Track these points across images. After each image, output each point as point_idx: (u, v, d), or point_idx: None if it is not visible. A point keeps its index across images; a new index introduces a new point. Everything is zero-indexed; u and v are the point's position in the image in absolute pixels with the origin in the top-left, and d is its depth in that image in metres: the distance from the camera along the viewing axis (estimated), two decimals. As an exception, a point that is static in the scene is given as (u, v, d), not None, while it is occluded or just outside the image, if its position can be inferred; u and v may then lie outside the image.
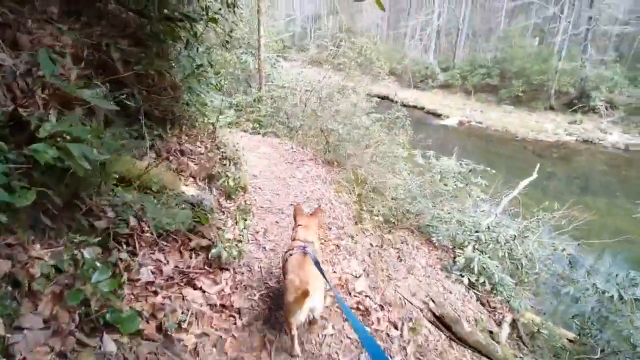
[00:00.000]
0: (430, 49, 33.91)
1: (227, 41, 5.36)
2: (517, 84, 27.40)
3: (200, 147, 4.74)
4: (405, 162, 8.44)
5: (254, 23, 13.52)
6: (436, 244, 7.58)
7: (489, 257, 6.39)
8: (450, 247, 7.71)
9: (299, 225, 2.99)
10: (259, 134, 11.02)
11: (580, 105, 25.61)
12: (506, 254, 6.82)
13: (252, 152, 7.72)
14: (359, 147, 7.52)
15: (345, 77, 11.01)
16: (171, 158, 4.04)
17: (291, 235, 3.05)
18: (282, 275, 2.89)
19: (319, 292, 2.48)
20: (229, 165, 5.31)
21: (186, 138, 4.47)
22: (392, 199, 7.54)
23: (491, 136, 24.78)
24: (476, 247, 7.18)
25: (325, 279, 2.43)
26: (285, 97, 12.16)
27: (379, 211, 6.36)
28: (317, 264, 2.47)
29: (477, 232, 7.28)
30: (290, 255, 2.65)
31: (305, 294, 2.26)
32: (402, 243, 7.05)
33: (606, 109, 24.76)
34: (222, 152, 5.28)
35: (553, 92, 26.67)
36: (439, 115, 27.43)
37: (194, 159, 4.49)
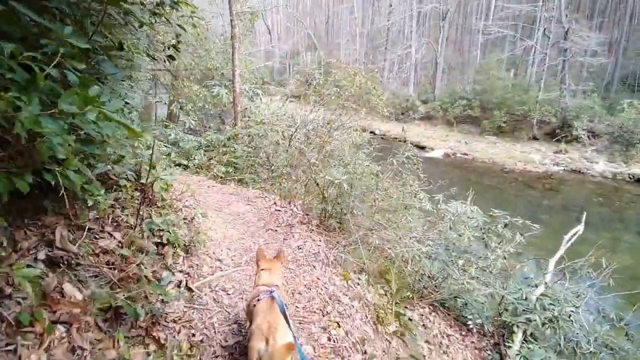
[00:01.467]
0: (410, 81, 32.96)
1: (170, 56, 3.20)
2: (499, 114, 26.45)
3: (107, 236, 2.49)
4: (415, 214, 6.35)
5: (228, 52, 11.59)
6: (471, 327, 5.42)
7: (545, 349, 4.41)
8: (490, 331, 5.53)
9: (262, 269, 2.71)
10: (234, 179, 8.81)
11: (563, 134, 24.83)
12: (562, 338, 4.89)
13: (220, 212, 5.51)
14: (365, 201, 5.41)
15: (336, 111, 9.06)
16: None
17: (254, 281, 2.76)
18: (247, 324, 2.60)
19: (288, 339, 2.14)
20: (172, 255, 3.07)
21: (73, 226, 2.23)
22: (404, 261, 5.39)
23: (479, 168, 23.40)
24: (528, 333, 5.14)
25: (290, 327, 2.21)
26: (265, 135, 10.08)
27: (402, 295, 4.22)
28: (283, 311, 2.28)
29: (526, 310, 5.20)
30: (258, 300, 2.36)
31: (290, 347, 2.02)
32: (424, 327, 4.91)
33: (589, 137, 23.97)
34: (159, 233, 3.04)
35: (535, 122, 25.76)
36: (423, 148, 25.96)
37: (93, 266, 2.23)
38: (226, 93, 10.41)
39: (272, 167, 9.38)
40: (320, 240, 4.72)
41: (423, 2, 33.82)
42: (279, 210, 5.64)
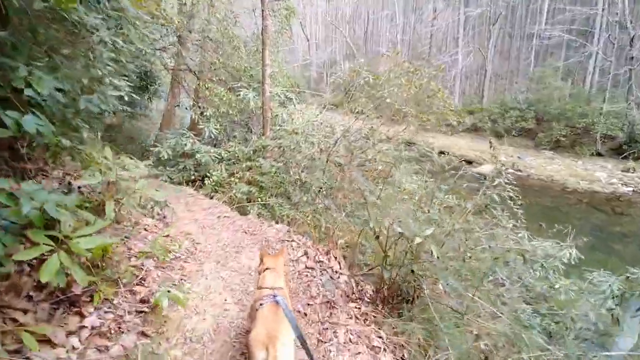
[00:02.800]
0: (455, 91, 30.23)
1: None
2: (557, 127, 23.26)
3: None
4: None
5: (259, 52, 9.79)
6: None
7: None
8: None
9: (266, 269, 2.55)
10: (256, 202, 6.90)
11: (631, 151, 21.44)
12: None
13: (223, 267, 3.55)
14: (447, 260, 3.27)
15: (387, 119, 7.00)
16: None
17: (257, 281, 2.62)
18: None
19: (289, 348, 2.03)
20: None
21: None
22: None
23: (535, 186, 20.48)
24: None
25: (299, 330, 2.09)
26: (298, 147, 8.13)
27: None
28: (290, 315, 2.13)
29: None
30: (261, 305, 2.22)
31: None
32: None
33: (661, 155, 20.60)
34: None
35: (599, 137, 22.43)
36: (469, 162, 23.19)
37: None
38: (254, 97, 8.57)
39: (305, 187, 7.40)
40: (383, 342, 2.63)
41: (470, 5, 31.12)
42: (312, 269, 3.60)
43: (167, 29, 8.97)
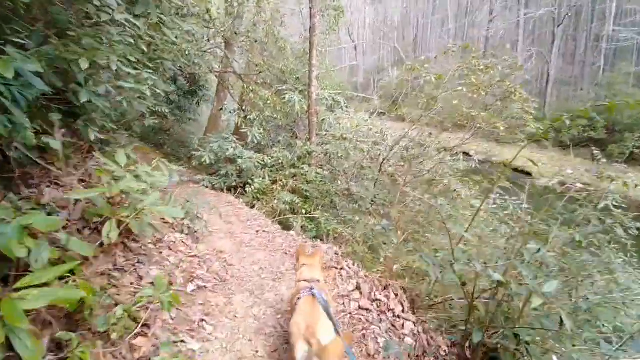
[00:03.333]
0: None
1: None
2: (632, 138, 20.58)
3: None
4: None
5: (306, 53, 9.20)
6: None
7: None
8: None
9: (303, 265, 2.63)
10: (300, 213, 6.22)
11: None
12: None
13: (251, 296, 2.86)
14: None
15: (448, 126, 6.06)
16: None
17: (296, 276, 2.64)
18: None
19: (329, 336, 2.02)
20: None
21: None
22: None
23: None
24: None
25: (334, 323, 2.11)
26: (347, 154, 7.38)
27: None
28: (326, 307, 2.17)
29: None
30: (299, 299, 2.24)
31: (338, 346, 1.88)
32: None
33: None
34: None
35: (681, 149, 19.51)
36: (529, 174, 21.15)
37: None
38: (300, 100, 7.94)
39: (353, 199, 6.63)
40: None
41: (530, 7, 28.90)
42: (367, 311, 2.80)
43: (212, 31, 8.63)
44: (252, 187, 6.92)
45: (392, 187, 5.83)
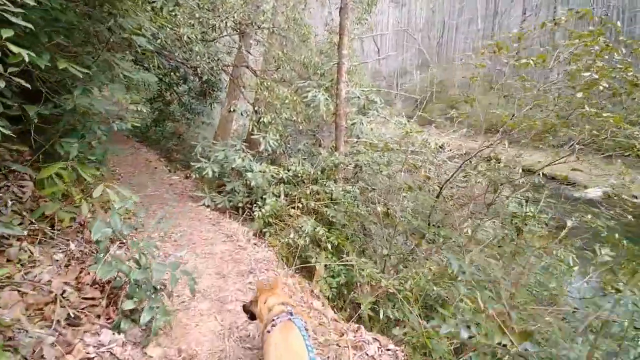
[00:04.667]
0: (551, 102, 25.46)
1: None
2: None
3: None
4: None
5: (333, 44, 7.54)
6: None
7: None
8: None
9: (266, 298, 2.16)
10: (325, 248, 4.52)
11: None
12: None
13: None
14: None
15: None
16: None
17: (258, 312, 2.17)
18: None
19: None
20: None
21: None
22: None
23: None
24: None
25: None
26: (386, 168, 5.64)
27: None
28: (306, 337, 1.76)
29: None
30: (273, 327, 1.82)
31: None
32: None
33: None
34: None
35: None
36: (572, 184, 18.76)
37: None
38: (326, 99, 6.20)
39: (393, 224, 4.85)
40: None
41: (569, 4, 26.31)
42: None
43: (226, 22, 7.03)
44: (263, 210, 5.22)
45: (453, 218, 4.05)
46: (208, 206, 5.91)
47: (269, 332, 1.81)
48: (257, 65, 7.94)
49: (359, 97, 6.55)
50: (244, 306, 2.37)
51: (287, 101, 6.17)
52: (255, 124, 6.32)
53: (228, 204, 5.83)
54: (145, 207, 5.63)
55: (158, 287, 2.16)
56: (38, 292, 1.88)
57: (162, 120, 12.09)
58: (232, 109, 6.91)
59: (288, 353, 1.69)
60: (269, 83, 6.30)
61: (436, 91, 32.69)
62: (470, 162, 4.16)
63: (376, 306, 4.01)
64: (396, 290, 3.64)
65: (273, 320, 1.86)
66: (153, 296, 2.09)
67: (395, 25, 42.98)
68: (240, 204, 5.70)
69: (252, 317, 2.28)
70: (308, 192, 5.65)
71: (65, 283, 2.06)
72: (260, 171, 5.63)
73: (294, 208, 5.51)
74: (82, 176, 2.91)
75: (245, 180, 5.89)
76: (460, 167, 4.14)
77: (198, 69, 10.97)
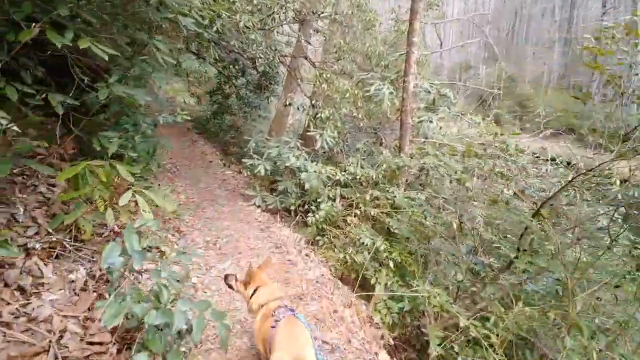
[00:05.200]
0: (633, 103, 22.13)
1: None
2: None
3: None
4: None
5: (401, 32, 6.75)
6: None
7: None
8: None
9: (256, 288, 2.10)
10: (387, 265, 3.84)
11: None
12: None
13: None
14: None
15: None
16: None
17: (245, 297, 2.15)
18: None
19: None
20: None
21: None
22: None
23: None
24: None
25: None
26: (450, 174, 4.78)
27: None
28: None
29: None
30: (276, 322, 1.79)
31: None
32: None
33: None
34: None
35: None
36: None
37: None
38: (390, 92, 5.44)
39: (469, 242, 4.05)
40: None
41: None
42: None
43: (286, 9, 6.52)
44: (316, 215, 4.64)
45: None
46: (259, 206, 5.46)
47: (273, 327, 1.79)
48: (316, 56, 7.36)
49: (428, 91, 5.70)
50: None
51: (347, 95, 5.51)
52: (312, 119, 5.74)
53: (280, 205, 5.34)
54: (195, 205, 5.32)
55: (183, 331, 1.65)
56: (31, 336, 1.45)
57: (221, 113, 12.02)
58: (288, 103, 6.41)
59: (296, 343, 1.69)
60: (328, 75, 5.68)
61: (504, 87, 30.00)
62: (580, 177, 3.21)
63: (448, 345, 3.25)
64: (478, 334, 2.86)
65: (273, 314, 1.85)
66: (175, 346, 1.58)
67: (460, 15, 40.18)
68: (292, 207, 5.17)
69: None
70: (367, 197, 4.97)
71: (73, 317, 1.63)
72: (315, 171, 5.04)
73: (350, 214, 4.87)
74: (123, 176, 2.51)
75: (299, 180, 5.35)
76: (570, 182, 3.21)
77: (256, 61, 10.78)
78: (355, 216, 4.80)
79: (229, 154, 10.71)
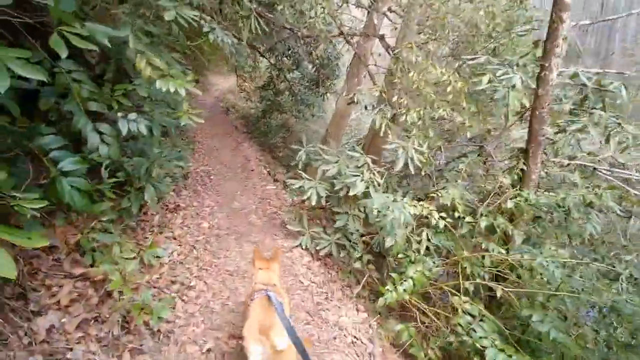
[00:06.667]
0: None
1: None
2: None
3: None
4: None
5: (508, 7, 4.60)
6: None
7: None
8: None
9: (259, 269, 2.27)
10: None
11: None
12: None
13: None
14: None
15: None
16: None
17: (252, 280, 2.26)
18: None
19: (284, 337, 1.74)
20: None
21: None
22: None
23: None
24: None
25: (290, 326, 1.78)
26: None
27: None
28: (280, 310, 1.86)
29: None
30: (252, 300, 1.98)
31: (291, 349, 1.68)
32: None
33: None
34: None
35: None
36: None
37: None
38: (522, 83, 3.32)
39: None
40: None
41: None
42: None
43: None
44: (399, 288, 2.70)
45: None
46: (306, 248, 3.67)
47: (248, 304, 1.96)
48: (393, 36, 5.36)
49: (583, 84, 3.47)
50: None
51: (448, 89, 3.49)
52: (390, 122, 3.81)
53: (337, 254, 3.49)
54: (216, 239, 3.67)
55: None
56: None
57: (271, 111, 10.46)
58: (353, 100, 4.51)
59: (266, 314, 1.82)
60: (414, 60, 3.71)
61: None
62: None
63: None
64: None
65: (252, 295, 1.98)
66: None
67: None
68: (357, 262, 3.29)
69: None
70: (480, 258, 2.94)
71: None
72: (393, 206, 3.10)
73: (449, 284, 2.89)
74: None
75: (366, 214, 3.48)
76: None
77: (312, 52, 9.01)
78: (459, 290, 2.81)
79: (275, 158, 9.11)
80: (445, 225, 3.09)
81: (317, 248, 3.58)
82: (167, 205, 4.18)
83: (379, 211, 2.86)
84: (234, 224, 4.19)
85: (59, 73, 1.52)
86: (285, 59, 9.46)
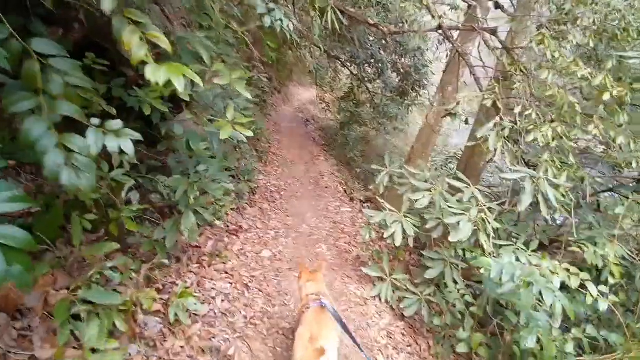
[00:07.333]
0: None
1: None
2: None
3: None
4: None
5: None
6: None
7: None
8: None
9: (307, 281, 2.28)
10: None
11: None
12: None
13: None
14: None
15: None
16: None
17: (300, 293, 2.29)
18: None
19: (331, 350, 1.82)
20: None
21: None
22: None
23: None
24: None
25: (351, 334, 1.96)
26: None
27: None
28: (339, 319, 1.97)
29: None
30: (307, 308, 2.01)
31: (320, 352, 1.69)
32: None
33: None
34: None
35: None
36: None
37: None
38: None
39: None
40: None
41: None
42: None
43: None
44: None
45: None
46: (386, 301, 2.83)
47: (302, 313, 2.00)
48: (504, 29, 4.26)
49: None
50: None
51: (602, 97, 2.36)
52: (505, 142, 2.80)
53: (429, 318, 2.57)
54: (276, 277, 3.02)
55: None
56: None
57: (351, 123, 9.78)
58: (451, 112, 3.54)
59: (318, 323, 1.88)
60: (549, 55, 2.65)
61: None
62: None
63: None
64: None
65: (307, 304, 2.01)
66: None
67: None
68: (461, 344, 2.32)
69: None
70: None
71: None
72: (532, 278, 2.09)
73: None
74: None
75: (468, 264, 2.51)
76: None
77: (397, 61, 8.13)
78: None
79: (352, 175, 8.37)
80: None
81: (402, 306, 2.71)
82: (227, 226, 3.70)
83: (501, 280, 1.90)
84: (298, 255, 3.53)
85: (30, 60, 0.97)
86: (367, 67, 8.76)
